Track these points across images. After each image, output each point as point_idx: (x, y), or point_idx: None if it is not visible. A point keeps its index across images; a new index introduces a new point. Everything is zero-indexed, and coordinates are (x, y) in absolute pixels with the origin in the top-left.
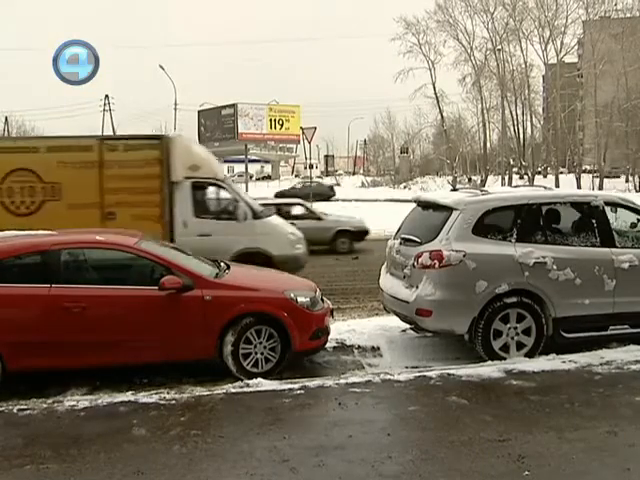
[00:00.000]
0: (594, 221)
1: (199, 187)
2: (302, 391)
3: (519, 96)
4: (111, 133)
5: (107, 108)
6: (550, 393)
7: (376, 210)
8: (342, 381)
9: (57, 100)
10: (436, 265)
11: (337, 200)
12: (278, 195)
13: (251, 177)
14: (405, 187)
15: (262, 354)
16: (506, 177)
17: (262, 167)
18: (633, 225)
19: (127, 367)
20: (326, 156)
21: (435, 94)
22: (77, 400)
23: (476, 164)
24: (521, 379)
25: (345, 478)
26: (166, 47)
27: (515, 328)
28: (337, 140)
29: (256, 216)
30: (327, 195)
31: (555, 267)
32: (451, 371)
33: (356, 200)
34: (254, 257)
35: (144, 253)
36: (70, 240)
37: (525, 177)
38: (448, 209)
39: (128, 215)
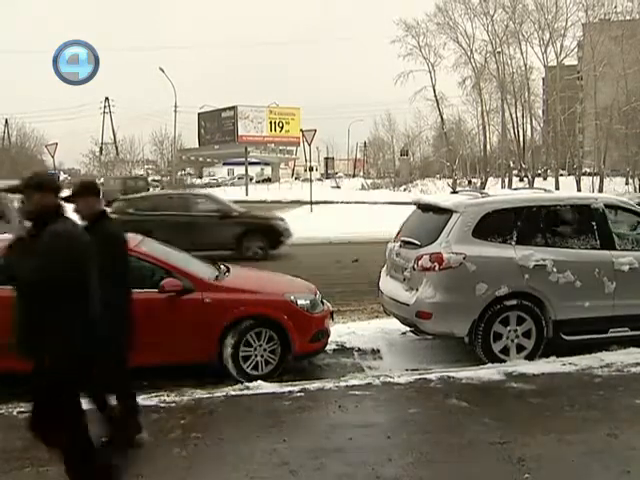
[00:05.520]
0: (594, 224)
1: None
2: (302, 394)
3: (519, 98)
4: (111, 135)
5: (107, 110)
6: (550, 396)
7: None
8: (342, 384)
9: (57, 102)
10: (436, 267)
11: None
12: None
13: (251, 179)
14: (405, 189)
15: (262, 357)
16: (506, 179)
17: (262, 169)
18: (633, 228)
19: None
20: (326, 158)
21: (435, 97)
22: None
23: (476, 166)
24: (521, 382)
25: None
26: (166, 49)
27: (515, 331)
28: (337, 142)
29: None
30: None
31: (555, 270)
32: (451, 374)
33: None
34: None
35: (144, 255)
36: None
37: (525, 179)
38: (448, 212)
39: None
